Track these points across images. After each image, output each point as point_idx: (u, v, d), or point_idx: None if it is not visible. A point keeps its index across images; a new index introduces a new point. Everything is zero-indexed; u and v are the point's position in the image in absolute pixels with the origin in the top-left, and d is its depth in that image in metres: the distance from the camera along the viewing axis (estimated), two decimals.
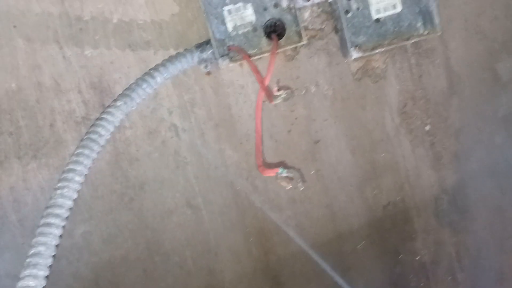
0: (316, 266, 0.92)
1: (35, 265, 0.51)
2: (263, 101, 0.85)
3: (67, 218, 0.68)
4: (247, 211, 0.90)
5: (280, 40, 0.80)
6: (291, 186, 0.64)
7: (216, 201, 0.90)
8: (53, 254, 0.55)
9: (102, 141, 0.72)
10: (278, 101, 0.72)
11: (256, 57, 0.80)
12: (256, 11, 0.80)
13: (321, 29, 0.87)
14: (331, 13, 0.85)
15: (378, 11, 0.82)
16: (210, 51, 0.81)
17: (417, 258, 0.94)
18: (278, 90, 0.73)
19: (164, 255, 0.91)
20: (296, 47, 0.86)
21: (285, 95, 0.73)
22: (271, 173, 0.67)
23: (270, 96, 0.73)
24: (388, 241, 0.93)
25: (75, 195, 0.70)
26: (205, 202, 0.90)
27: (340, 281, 0.93)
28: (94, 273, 0.90)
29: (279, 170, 0.64)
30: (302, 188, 0.64)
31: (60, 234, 0.59)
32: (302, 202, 0.90)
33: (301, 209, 0.90)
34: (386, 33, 0.82)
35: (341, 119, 0.88)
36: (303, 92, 0.87)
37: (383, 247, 0.93)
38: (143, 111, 0.85)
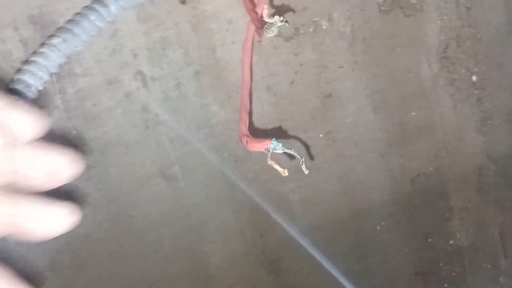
0: (324, 251, 0.74)
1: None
2: (257, 41, 0.64)
3: None
4: (237, 185, 0.71)
5: None
6: (287, 174, 0.44)
7: (198, 170, 0.71)
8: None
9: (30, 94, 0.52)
10: (270, 34, 0.47)
11: None
12: None
13: None
14: None
15: None
16: None
17: (451, 242, 0.76)
18: (271, 16, 0.48)
19: (134, 236, 0.73)
20: None
21: (281, 22, 0.49)
22: (259, 147, 0.43)
23: (261, 30, 0.51)
24: (416, 221, 0.74)
25: None
26: (183, 172, 0.71)
27: (352, 268, 0.75)
28: (49, 256, 0.73)
29: (271, 143, 0.42)
30: (307, 172, 0.44)
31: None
32: (309, 172, 0.71)
33: (307, 181, 0.71)
34: None
35: (362, 66, 0.67)
36: (311, 29, 0.65)
37: (409, 228, 0.74)
38: (100, 53, 0.65)
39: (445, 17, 0.66)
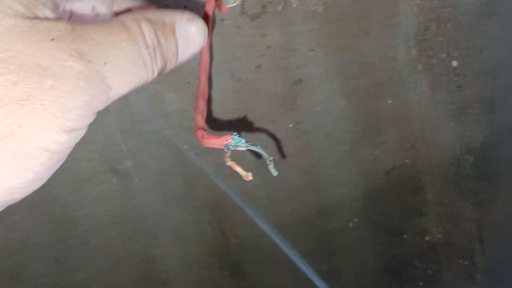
0: (291, 251, 0.68)
1: None
2: (219, 20, 0.57)
3: None
4: (198, 179, 0.64)
5: None
6: (251, 177, 0.36)
7: (153, 165, 0.63)
8: None
9: None
10: (231, 3, 0.39)
11: None
12: None
13: None
14: None
15: None
16: None
17: (426, 239, 0.71)
18: None
19: (81, 238, 0.66)
20: None
21: None
22: (217, 143, 0.35)
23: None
24: (390, 217, 0.69)
25: None
26: (136, 166, 0.63)
27: (320, 268, 0.70)
28: None
29: (232, 139, 0.34)
30: (276, 174, 0.37)
31: None
32: (275, 166, 0.64)
33: (273, 176, 0.65)
34: None
35: (334, 49, 0.61)
36: (280, 7, 0.58)
37: (382, 224, 0.69)
38: None
39: None
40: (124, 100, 0.59)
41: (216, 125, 0.61)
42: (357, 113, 0.63)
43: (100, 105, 0.27)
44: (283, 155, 0.64)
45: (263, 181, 0.65)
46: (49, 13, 0.26)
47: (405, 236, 0.71)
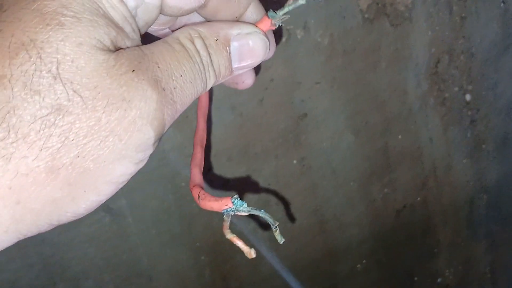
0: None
1: None
2: None
3: None
4: (196, 218, 0.60)
5: None
6: (254, 255, 0.32)
7: (149, 203, 0.59)
8: None
9: None
10: (277, 20, 0.34)
11: None
12: None
13: None
14: None
15: None
16: None
17: (438, 280, 0.67)
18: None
19: (71, 281, 0.62)
20: None
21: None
22: (215, 206, 0.30)
23: None
24: (400, 259, 0.65)
25: None
26: (131, 205, 0.59)
27: None
28: None
29: (232, 203, 0.29)
30: (282, 241, 0.33)
31: None
32: (278, 205, 0.61)
33: (277, 215, 0.61)
34: None
35: (341, 83, 0.58)
36: (284, 39, 0.55)
37: (392, 267, 0.65)
38: None
39: (437, 27, 0.57)
40: None
41: (216, 168, 0.57)
42: (366, 150, 0.60)
43: (165, 131, 0.27)
44: (287, 192, 0.60)
45: (265, 220, 0.61)
46: (129, 42, 0.27)
47: (416, 278, 0.67)
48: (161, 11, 0.32)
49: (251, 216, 0.31)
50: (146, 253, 0.61)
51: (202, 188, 0.31)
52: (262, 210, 0.30)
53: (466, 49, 0.58)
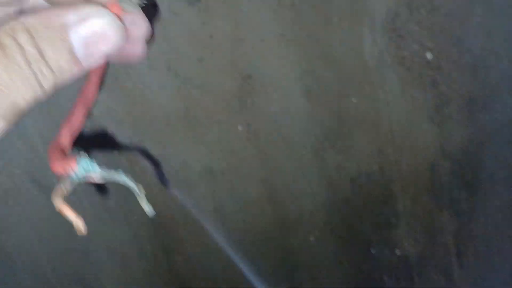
0: (246, 268, 0.60)
1: None
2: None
3: None
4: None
5: None
6: (84, 232, 0.27)
7: None
8: None
9: None
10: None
11: None
12: None
13: None
14: None
15: None
16: None
17: (397, 252, 0.63)
18: None
19: (5, 256, 0.57)
20: None
21: None
22: (59, 167, 0.25)
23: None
24: (356, 230, 0.62)
25: None
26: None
27: (282, 287, 0.62)
28: None
29: (75, 164, 0.25)
30: (152, 213, 0.28)
31: None
32: (224, 174, 0.56)
33: (222, 185, 0.56)
34: None
35: (290, 40, 0.52)
36: None
37: (348, 238, 0.62)
38: None
39: None
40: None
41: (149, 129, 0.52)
42: (318, 114, 0.55)
43: None
44: (232, 161, 0.55)
45: (210, 190, 0.56)
46: None
47: (372, 250, 0.63)
48: None
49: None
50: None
51: (63, 151, 0.26)
52: (120, 171, 0.25)
53: (427, 2, 0.52)
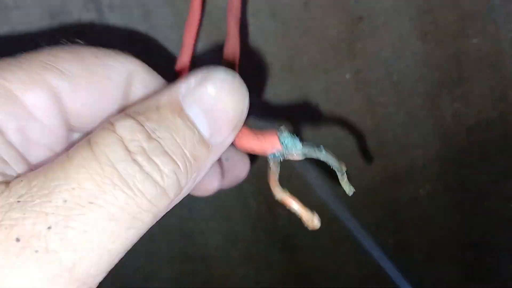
0: (350, 222, 0.58)
1: None
2: None
3: None
4: None
5: None
6: (317, 225, 0.24)
7: None
8: None
9: None
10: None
11: None
12: None
13: None
14: None
15: None
16: None
17: None
18: None
19: None
20: None
21: None
22: (256, 147, 0.23)
23: None
24: (470, 182, 0.57)
25: None
26: None
27: (386, 242, 0.59)
28: None
29: (280, 141, 0.22)
30: (352, 193, 0.25)
31: None
32: (329, 127, 0.53)
33: (328, 136, 0.54)
34: None
35: None
36: None
37: (460, 191, 0.58)
38: None
39: None
40: None
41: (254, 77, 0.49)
42: (434, 57, 0.50)
43: None
44: (339, 111, 0.52)
45: (314, 142, 0.54)
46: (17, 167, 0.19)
47: (486, 203, 0.59)
48: (71, 128, 0.23)
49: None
50: None
51: (252, 131, 0.23)
52: (323, 149, 0.22)
53: None
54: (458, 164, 0.56)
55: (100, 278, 0.19)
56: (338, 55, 0.50)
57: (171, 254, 0.58)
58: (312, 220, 0.21)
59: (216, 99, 0.21)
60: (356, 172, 0.55)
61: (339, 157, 0.23)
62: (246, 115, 0.22)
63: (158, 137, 0.19)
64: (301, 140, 0.22)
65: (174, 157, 0.19)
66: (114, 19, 0.47)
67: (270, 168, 0.21)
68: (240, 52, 0.28)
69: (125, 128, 0.19)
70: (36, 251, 0.17)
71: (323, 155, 0.22)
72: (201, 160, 0.20)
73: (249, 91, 0.52)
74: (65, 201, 0.17)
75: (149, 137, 0.19)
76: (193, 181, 0.20)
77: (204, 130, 0.20)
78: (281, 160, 0.22)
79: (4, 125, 0.20)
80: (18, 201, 0.17)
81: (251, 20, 0.48)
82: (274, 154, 0.21)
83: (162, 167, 0.19)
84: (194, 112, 0.20)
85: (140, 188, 0.18)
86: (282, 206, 0.59)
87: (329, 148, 0.53)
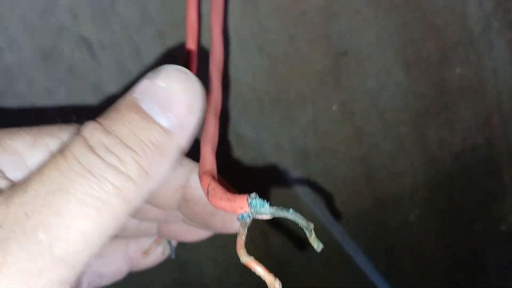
0: (343, 248, 0.58)
1: None
2: None
3: None
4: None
5: None
6: (278, 287, 0.25)
7: None
8: None
9: None
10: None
11: None
12: None
13: None
14: None
15: None
16: None
17: (501, 227, 0.60)
18: None
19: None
20: None
21: None
22: (227, 206, 0.23)
23: None
24: (458, 207, 0.59)
25: None
26: None
27: (379, 265, 0.60)
28: None
29: (249, 204, 0.23)
30: (320, 248, 0.26)
31: None
32: (319, 156, 0.54)
33: (318, 168, 0.55)
34: None
35: (387, 9, 0.49)
36: None
37: (449, 215, 0.59)
38: (27, 15, 0.46)
39: None
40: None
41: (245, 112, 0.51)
42: (418, 87, 0.52)
43: None
44: (328, 142, 0.53)
45: (305, 173, 0.55)
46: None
47: (475, 225, 0.60)
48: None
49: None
50: None
51: (214, 178, 0.25)
52: (291, 210, 0.24)
53: None
54: (446, 189, 0.57)
55: (81, 259, 0.21)
56: (324, 88, 0.51)
57: (166, 284, 0.59)
58: (273, 285, 0.22)
59: (166, 89, 0.23)
60: (345, 198, 0.56)
61: (309, 217, 0.24)
62: (202, 99, 0.24)
63: (115, 132, 0.22)
64: (270, 204, 0.23)
65: (132, 146, 0.22)
66: (105, 57, 0.48)
67: (239, 229, 0.23)
68: (222, 102, 0.29)
69: (88, 129, 0.22)
70: (15, 232, 0.20)
71: (290, 215, 0.23)
72: (162, 145, 0.22)
73: (240, 123, 0.53)
74: (36, 190, 0.21)
75: (108, 133, 0.22)
76: (161, 165, 0.22)
77: (160, 119, 0.23)
78: (249, 222, 0.23)
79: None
80: (5, 198, 0.21)
81: (238, 55, 0.49)
82: (242, 215, 0.22)
83: (122, 156, 0.22)
84: (149, 105, 0.23)
85: (103, 175, 0.21)
86: (275, 234, 0.60)
87: (318, 177, 0.55)
